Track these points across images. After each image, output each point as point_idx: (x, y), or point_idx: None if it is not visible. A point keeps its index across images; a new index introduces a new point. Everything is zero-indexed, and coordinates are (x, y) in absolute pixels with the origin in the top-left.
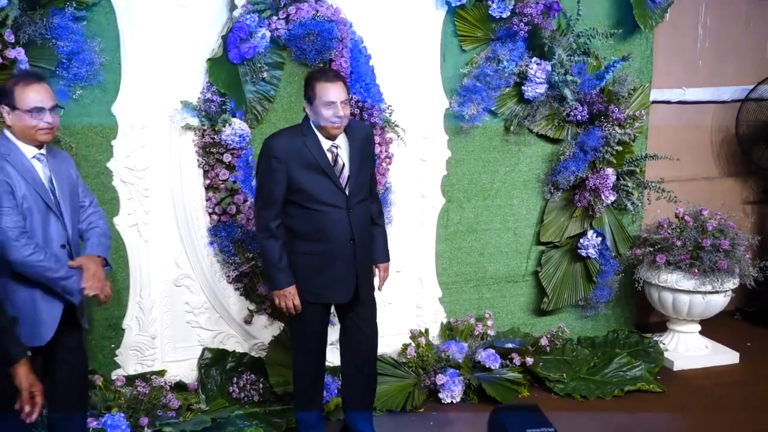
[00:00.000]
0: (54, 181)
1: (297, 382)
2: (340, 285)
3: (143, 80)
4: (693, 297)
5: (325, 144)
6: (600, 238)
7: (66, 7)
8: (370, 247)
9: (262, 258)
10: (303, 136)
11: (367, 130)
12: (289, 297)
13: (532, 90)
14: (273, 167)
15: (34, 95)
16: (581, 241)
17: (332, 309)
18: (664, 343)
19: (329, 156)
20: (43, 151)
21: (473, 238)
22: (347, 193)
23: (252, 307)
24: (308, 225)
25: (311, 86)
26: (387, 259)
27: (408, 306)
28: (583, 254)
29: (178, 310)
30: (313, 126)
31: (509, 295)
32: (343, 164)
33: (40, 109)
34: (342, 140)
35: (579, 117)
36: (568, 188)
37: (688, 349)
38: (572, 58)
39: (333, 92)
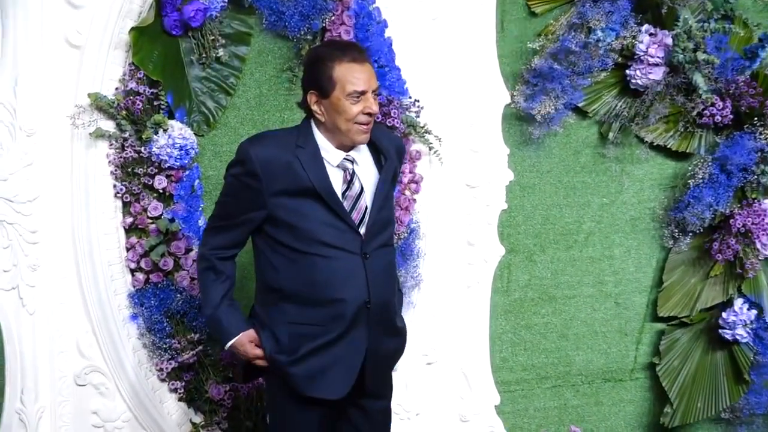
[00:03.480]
0: None
1: None
2: (338, 371)
3: (31, 61)
4: None
5: (334, 157)
6: (754, 312)
7: None
8: (393, 321)
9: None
10: (297, 147)
11: (398, 143)
12: (245, 346)
13: (642, 76)
14: (245, 184)
15: None
16: (724, 315)
17: None
18: None
19: (340, 175)
20: None
21: (551, 311)
22: (363, 232)
23: (198, 419)
24: (300, 278)
25: (325, 69)
26: None
27: (446, 418)
28: (727, 337)
29: (83, 424)
30: (317, 131)
31: (608, 402)
32: (361, 189)
33: None
34: (363, 153)
35: (718, 118)
36: (702, 231)
37: None
38: (706, 25)
39: (362, 77)
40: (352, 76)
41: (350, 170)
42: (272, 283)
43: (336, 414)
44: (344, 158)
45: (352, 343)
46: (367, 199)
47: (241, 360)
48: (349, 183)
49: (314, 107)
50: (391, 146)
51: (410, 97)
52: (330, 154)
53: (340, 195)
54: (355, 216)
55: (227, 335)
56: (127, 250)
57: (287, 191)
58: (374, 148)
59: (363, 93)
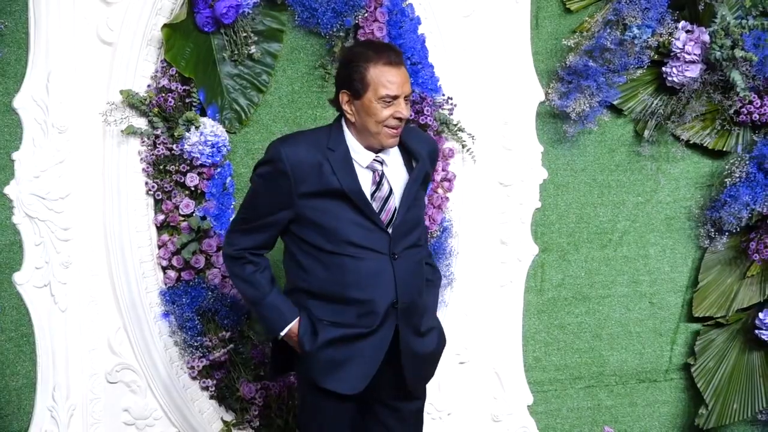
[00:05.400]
0: None
1: None
2: (357, 366)
3: (63, 58)
4: None
5: (364, 158)
6: None
7: None
8: (421, 321)
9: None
10: (327, 149)
11: (432, 147)
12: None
13: (678, 73)
14: (274, 183)
15: None
16: (761, 316)
17: None
18: None
19: (369, 176)
20: None
21: (584, 310)
22: (390, 232)
23: (229, 417)
24: (329, 279)
25: (359, 70)
26: None
27: (479, 418)
28: (764, 338)
29: (114, 422)
30: (347, 131)
31: (642, 403)
32: (390, 191)
33: None
34: (393, 154)
35: (756, 116)
36: (739, 231)
37: None
38: (744, 22)
39: (396, 81)
40: (386, 79)
41: (379, 171)
42: (300, 284)
43: (367, 414)
44: (374, 159)
45: (375, 341)
46: (396, 200)
47: (274, 355)
48: (378, 184)
49: (345, 107)
50: (424, 149)
51: (443, 95)
52: (360, 155)
53: (369, 196)
54: (384, 216)
55: (284, 320)
56: (159, 247)
57: (316, 192)
58: (405, 149)
59: (395, 97)
